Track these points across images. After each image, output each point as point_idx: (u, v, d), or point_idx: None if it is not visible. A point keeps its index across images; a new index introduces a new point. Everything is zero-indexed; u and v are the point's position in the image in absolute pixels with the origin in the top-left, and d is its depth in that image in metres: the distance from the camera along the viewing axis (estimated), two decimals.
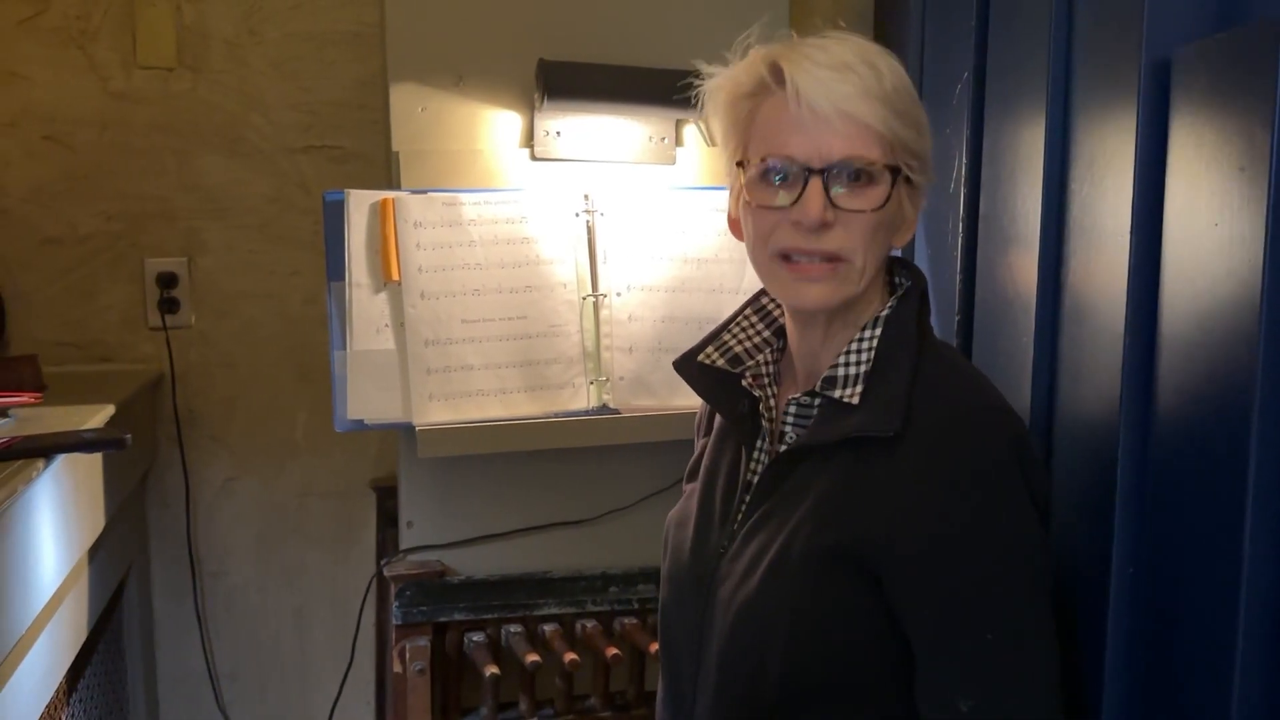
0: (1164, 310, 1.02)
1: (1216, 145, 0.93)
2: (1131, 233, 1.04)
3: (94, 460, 1.60)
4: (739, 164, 1.08)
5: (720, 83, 1.09)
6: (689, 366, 1.18)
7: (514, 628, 1.68)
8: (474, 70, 1.70)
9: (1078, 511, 1.14)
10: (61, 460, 1.36)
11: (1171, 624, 1.01)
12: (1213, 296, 0.94)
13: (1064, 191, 1.19)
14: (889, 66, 1.04)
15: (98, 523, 1.64)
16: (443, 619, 1.66)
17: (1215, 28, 1.01)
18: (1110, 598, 1.07)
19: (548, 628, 1.69)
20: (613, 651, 1.64)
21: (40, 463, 1.26)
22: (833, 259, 1.04)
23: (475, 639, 1.67)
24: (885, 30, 1.79)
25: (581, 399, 1.62)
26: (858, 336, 1.08)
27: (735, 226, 1.14)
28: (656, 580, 1.71)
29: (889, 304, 1.10)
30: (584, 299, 1.64)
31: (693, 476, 1.25)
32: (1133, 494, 1.06)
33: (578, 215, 1.65)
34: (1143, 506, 1.05)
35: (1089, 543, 1.11)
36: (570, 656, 1.62)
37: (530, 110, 1.70)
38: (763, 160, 1.05)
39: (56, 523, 1.40)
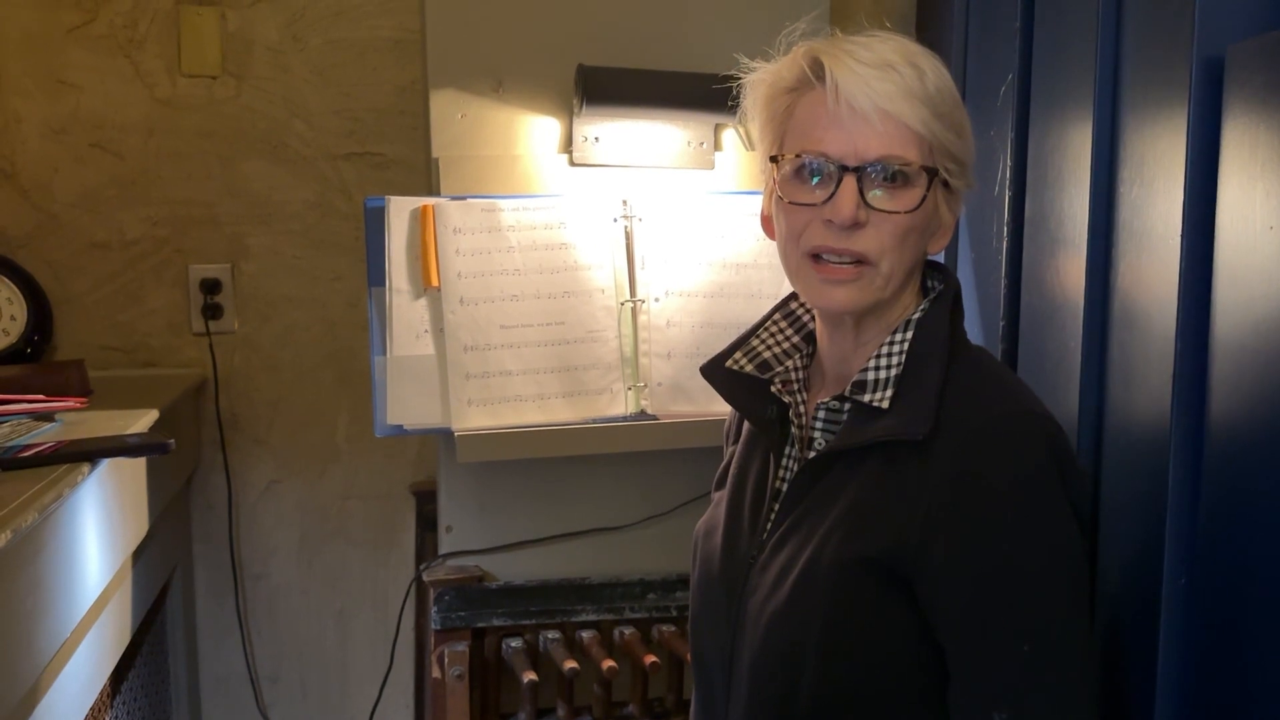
0: (1217, 315, 0.99)
1: (1272, 145, 0.91)
2: (1183, 236, 1.02)
3: (138, 464, 1.62)
4: (773, 159, 1.07)
5: (761, 77, 1.08)
6: (717, 372, 1.17)
7: (552, 634, 1.68)
8: (513, 76, 1.70)
9: (1128, 521, 1.12)
10: (106, 464, 1.38)
11: (1227, 637, 0.98)
12: (1267, 301, 0.91)
13: (1112, 193, 1.17)
14: (933, 68, 1.02)
15: (142, 526, 1.66)
16: (481, 624, 1.66)
17: (1270, 24, 0.98)
18: (1162, 610, 1.04)
19: (586, 634, 1.68)
20: (651, 659, 1.63)
21: (85, 466, 1.28)
22: (859, 261, 1.03)
23: (513, 645, 1.67)
24: (927, 31, 1.76)
25: (619, 405, 1.62)
26: (888, 340, 1.07)
27: (768, 224, 1.13)
28: None
29: (921, 306, 1.08)
30: (622, 304, 1.63)
31: (721, 484, 1.24)
32: (1185, 503, 1.03)
33: (616, 220, 1.65)
34: (1195, 516, 1.02)
35: (1139, 553, 1.08)
36: (608, 663, 1.61)
37: (569, 115, 1.70)
38: (797, 156, 1.04)
39: (101, 526, 1.41)
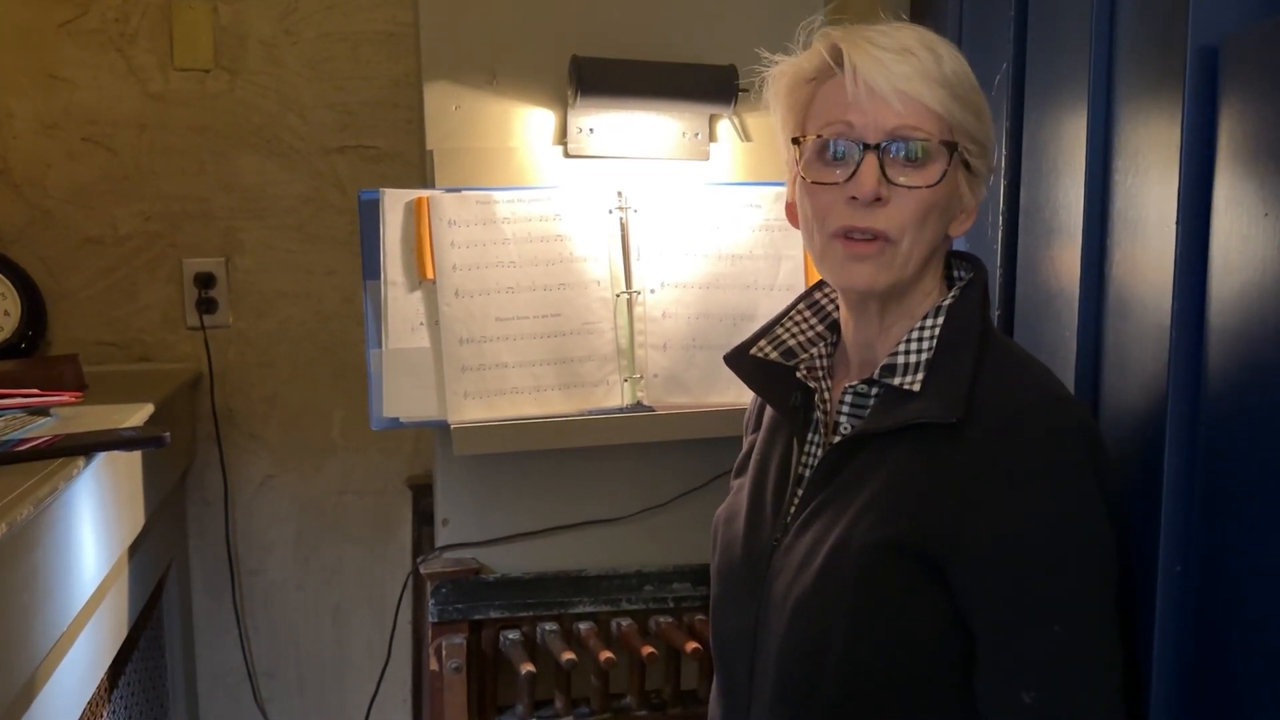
0: (1211, 303, 0.99)
1: (1266, 133, 0.91)
2: (1178, 224, 1.02)
3: (134, 459, 1.61)
4: (794, 141, 1.08)
5: (783, 69, 1.10)
6: (741, 360, 1.18)
7: (549, 626, 1.68)
8: (507, 68, 1.69)
9: (1123, 509, 1.12)
10: (102, 458, 1.37)
11: (1222, 624, 0.99)
12: (1262, 289, 0.92)
13: (1107, 182, 1.17)
14: (949, 53, 1.05)
15: (138, 520, 1.66)
16: (478, 617, 1.66)
17: (1265, 12, 0.98)
18: (1157, 597, 1.04)
19: (583, 626, 1.68)
20: (648, 650, 1.63)
21: (81, 461, 1.27)
22: (881, 238, 1.04)
23: (511, 637, 1.67)
24: (923, 21, 1.76)
25: (616, 396, 1.62)
26: (919, 325, 1.07)
27: (792, 212, 1.14)
28: (692, 579, 1.71)
29: (952, 293, 1.09)
30: (618, 296, 1.63)
31: (741, 472, 1.24)
32: (1180, 491, 1.03)
33: (611, 212, 1.65)
34: (1190, 503, 1.03)
35: (1135, 541, 1.09)
36: (605, 655, 1.62)
37: (563, 107, 1.70)
38: (819, 136, 1.06)
39: (97, 520, 1.41)
